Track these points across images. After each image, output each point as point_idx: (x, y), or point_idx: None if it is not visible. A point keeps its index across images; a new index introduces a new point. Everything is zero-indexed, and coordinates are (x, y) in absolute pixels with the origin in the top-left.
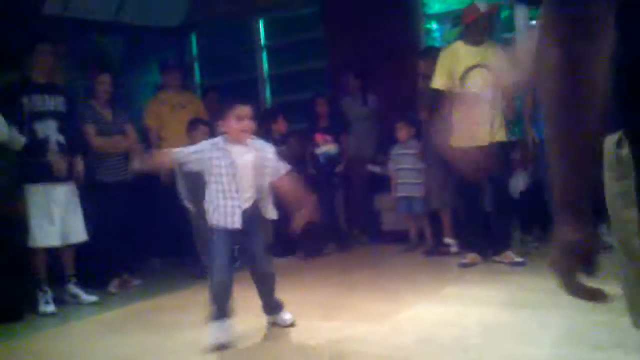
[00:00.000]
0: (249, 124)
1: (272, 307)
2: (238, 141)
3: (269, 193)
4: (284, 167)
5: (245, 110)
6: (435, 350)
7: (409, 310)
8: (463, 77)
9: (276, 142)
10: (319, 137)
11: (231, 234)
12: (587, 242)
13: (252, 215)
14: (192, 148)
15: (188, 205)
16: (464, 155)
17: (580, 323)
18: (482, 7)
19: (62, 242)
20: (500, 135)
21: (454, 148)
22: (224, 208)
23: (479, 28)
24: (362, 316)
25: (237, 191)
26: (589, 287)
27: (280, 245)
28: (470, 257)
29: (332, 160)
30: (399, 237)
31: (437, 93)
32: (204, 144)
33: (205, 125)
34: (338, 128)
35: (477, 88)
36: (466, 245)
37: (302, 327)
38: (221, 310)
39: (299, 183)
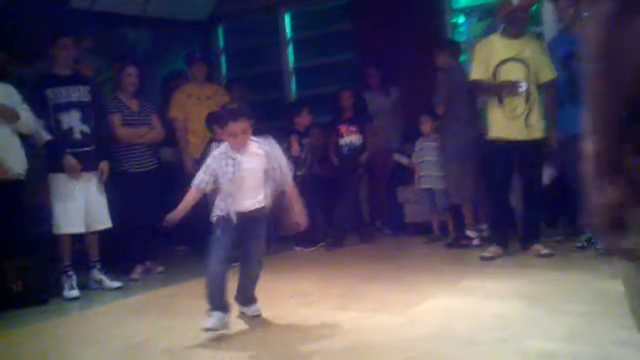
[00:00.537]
0: (243, 138)
1: (248, 299)
2: (241, 149)
3: (270, 198)
4: (289, 181)
5: (237, 127)
6: (450, 343)
7: (427, 301)
8: (496, 70)
9: (300, 135)
10: (342, 128)
11: (233, 232)
12: (621, 201)
13: (254, 217)
14: (204, 169)
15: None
16: (498, 147)
17: (598, 318)
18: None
19: (86, 229)
20: (536, 131)
21: (489, 140)
22: (230, 208)
23: (515, 21)
24: (380, 307)
25: (243, 196)
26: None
27: (304, 236)
28: (492, 250)
29: (355, 151)
30: (422, 229)
31: (475, 84)
32: (212, 158)
33: None
34: (362, 119)
35: (511, 80)
36: (491, 238)
37: (320, 316)
38: (215, 301)
39: (298, 195)
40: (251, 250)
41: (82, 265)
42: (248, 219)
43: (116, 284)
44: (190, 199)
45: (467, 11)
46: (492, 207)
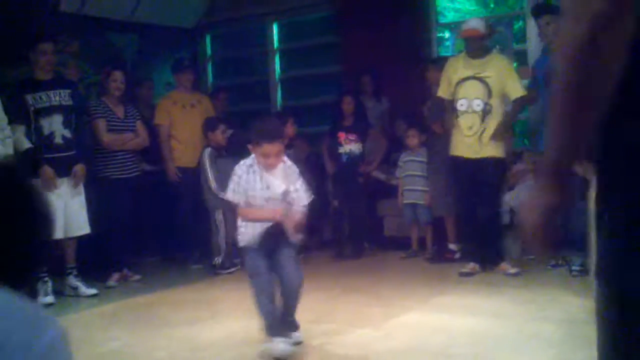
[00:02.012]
0: (275, 161)
1: (287, 324)
2: (269, 171)
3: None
4: (306, 199)
5: (272, 149)
6: (423, 358)
7: (402, 316)
8: (457, 87)
9: (284, 147)
10: (342, 136)
11: (263, 250)
12: (564, 205)
13: (278, 234)
14: (235, 180)
15: (224, 196)
16: (459, 164)
17: (570, 336)
18: (475, 26)
19: (64, 234)
20: (491, 150)
21: (452, 157)
22: (254, 229)
23: (471, 45)
24: (355, 320)
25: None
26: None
27: None
28: (470, 266)
29: (354, 159)
30: (401, 243)
31: (443, 101)
32: (241, 170)
33: (224, 124)
34: (362, 127)
35: (468, 98)
36: (466, 254)
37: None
38: (274, 326)
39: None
40: (282, 263)
41: (58, 271)
42: (274, 239)
43: (92, 290)
44: (250, 211)
45: (453, 26)
46: (463, 223)
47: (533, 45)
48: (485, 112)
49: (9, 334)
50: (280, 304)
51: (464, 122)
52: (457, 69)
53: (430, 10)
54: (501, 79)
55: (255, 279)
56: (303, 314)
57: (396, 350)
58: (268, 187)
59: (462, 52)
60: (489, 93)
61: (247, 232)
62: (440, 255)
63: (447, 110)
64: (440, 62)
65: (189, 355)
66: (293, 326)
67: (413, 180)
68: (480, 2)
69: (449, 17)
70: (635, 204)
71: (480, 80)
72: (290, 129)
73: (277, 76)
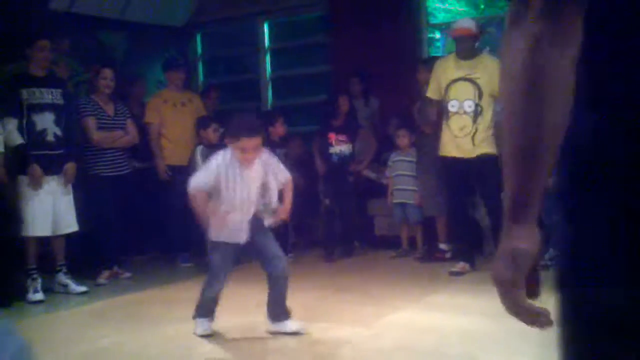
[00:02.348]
0: (254, 156)
1: (278, 313)
2: (247, 166)
3: (275, 202)
4: (287, 175)
5: (250, 143)
6: (413, 357)
7: (393, 315)
8: (447, 89)
9: (274, 146)
10: (332, 137)
11: (234, 246)
12: (533, 252)
13: (256, 224)
14: (206, 172)
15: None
16: (449, 164)
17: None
18: (466, 25)
19: (52, 232)
20: (484, 148)
21: (441, 157)
22: (232, 223)
23: (462, 45)
24: (346, 319)
25: (243, 205)
26: (533, 306)
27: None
28: (460, 266)
29: (345, 160)
30: (391, 243)
31: (433, 102)
32: (215, 162)
33: (216, 122)
34: (352, 128)
35: (459, 100)
36: (457, 254)
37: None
38: (208, 312)
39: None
40: (267, 252)
41: (48, 269)
42: (255, 233)
43: (82, 288)
44: (200, 203)
45: (443, 27)
46: (454, 223)
47: None
48: (477, 113)
49: None
50: (270, 295)
51: (455, 123)
52: (447, 70)
53: (421, 10)
54: (491, 80)
55: (216, 279)
56: (294, 312)
57: (387, 349)
58: (241, 177)
59: (452, 53)
60: (480, 94)
61: (220, 225)
62: (431, 255)
63: (435, 110)
64: (430, 63)
65: (180, 353)
66: (285, 314)
67: (403, 180)
68: (471, 3)
69: (440, 17)
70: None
71: (471, 81)
72: (280, 129)
73: (267, 75)
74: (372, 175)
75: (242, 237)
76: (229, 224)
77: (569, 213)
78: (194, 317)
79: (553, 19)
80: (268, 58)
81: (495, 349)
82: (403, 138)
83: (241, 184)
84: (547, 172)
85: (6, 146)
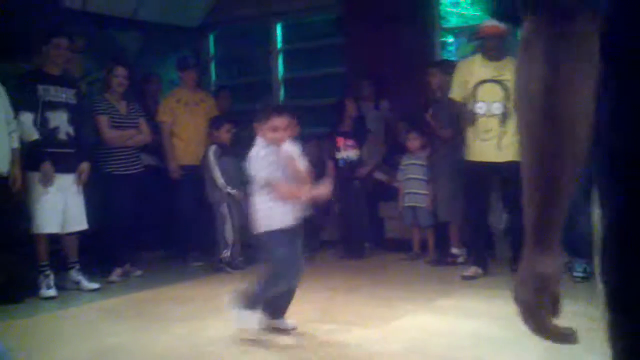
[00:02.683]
0: (284, 135)
1: (282, 311)
2: (276, 147)
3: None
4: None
5: (280, 121)
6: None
7: (403, 318)
8: (474, 90)
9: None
10: (340, 141)
11: (292, 233)
12: (557, 275)
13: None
14: (261, 162)
15: (231, 191)
16: (472, 168)
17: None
18: (494, 26)
19: (62, 229)
20: (511, 153)
21: (468, 161)
22: (283, 208)
23: (491, 45)
24: (355, 321)
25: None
26: (557, 326)
27: None
28: (473, 270)
29: (351, 164)
30: (402, 246)
31: (455, 104)
32: (264, 151)
33: (229, 123)
34: (360, 134)
35: (487, 102)
36: (470, 258)
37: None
38: (258, 305)
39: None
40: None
41: (60, 266)
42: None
43: (94, 285)
44: (289, 188)
45: (457, 31)
46: (468, 227)
47: None
48: (505, 116)
49: None
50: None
51: (482, 125)
52: (474, 71)
53: (434, 14)
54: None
55: (291, 270)
56: (304, 313)
57: (397, 352)
58: (286, 165)
59: (477, 54)
60: (508, 96)
61: (277, 212)
62: (442, 259)
63: (459, 113)
64: (442, 66)
65: (190, 351)
66: (284, 312)
67: (414, 184)
68: (484, 7)
69: (452, 21)
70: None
71: (500, 83)
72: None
73: (279, 76)
74: (383, 177)
75: (292, 217)
76: (282, 208)
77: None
78: (238, 308)
79: (567, 36)
80: (280, 59)
81: (506, 354)
82: (414, 141)
83: (286, 170)
84: (568, 198)
85: (21, 142)
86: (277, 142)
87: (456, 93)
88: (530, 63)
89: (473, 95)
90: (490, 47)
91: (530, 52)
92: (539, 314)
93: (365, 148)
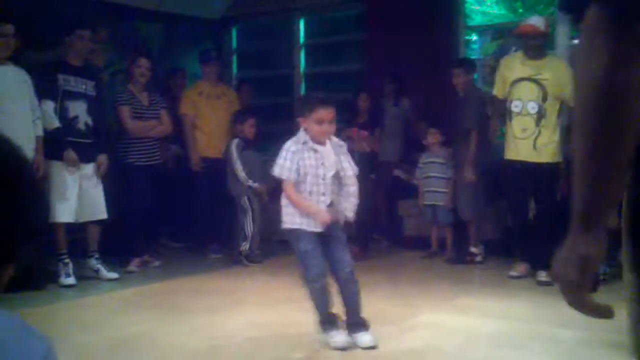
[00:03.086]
0: (330, 128)
1: (353, 323)
2: (319, 141)
3: (348, 193)
4: (354, 167)
5: (326, 113)
6: (441, 358)
7: (420, 315)
8: (511, 88)
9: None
10: (354, 132)
11: (317, 236)
12: (599, 257)
13: (335, 222)
14: (284, 156)
15: (252, 184)
16: (509, 168)
17: (590, 345)
18: (534, 22)
19: (77, 218)
20: (546, 155)
21: (506, 161)
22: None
23: (530, 44)
24: (372, 317)
25: (324, 193)
26: (597, 302)
27: None
28: (520, 268)
29: (365, 158)
30: (421, 243)
31: (496, 101)
32: (294, 146)
33: (252, 117)
34: (375, 126)
35: (522, 100)
36: (517, 257)
37: (311, 323)
38: (326, 317)
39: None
40: (334, 252)
41: (79, 254)
42: (330, 225)
43: (112, 274)
44: (296, 196)
45: (481, 29)
46: (513, 226)
47: (561, 51)
48: (540, 115)
49: (3, 345)
50: (342, 300)
51: (517, 124)
52: (514, 68)
53: (459, 12)
54: (559, 82)
55: (313, 275)
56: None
57: (414, 350)
58: (323, 163)
59: (519, 51)
60: (545, 96)
61: (300, 213)
62: (461, 257)
63: (496, 110)
64: (465, 65)
65: (209, 343)
66: (360, 326)
67: (433, 182)
68: (509, 6)
69: (477, 20)
70: None
71: (537, 82)
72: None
73: (301, 71)
74: (402, 175)
75: (325, 207)
76: (312, 214)
77: None
78: (322, 332)
79: (629, 35)
80: (303, 54)
81: (524, 355)
82: (431, 136)
83: (321, 169)
84: (622, 185)
85: (44, 130)
86: (321, 136)
87: (497, 89)
88: (593, 55)
89: (510, 93)
90: (529, 46)
91: (593, 46)
92: (579, 291)
93: (381, 144)
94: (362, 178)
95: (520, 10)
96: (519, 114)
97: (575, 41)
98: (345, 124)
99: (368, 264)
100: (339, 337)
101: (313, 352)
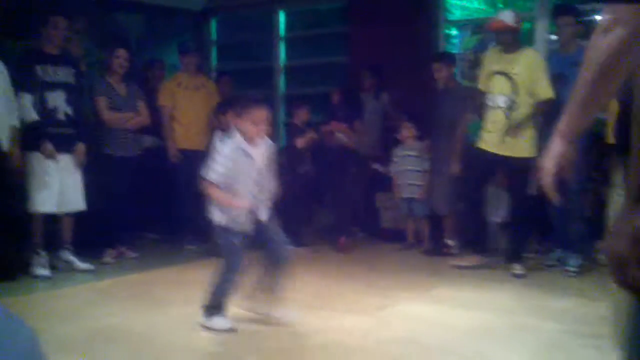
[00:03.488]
0: (264, 128)
1: (277, 300)
2: (252, 141)
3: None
4: (271, 185)
5: (262, 115)
6: (416, 349)
7: (398, 306)
8: (487, 81)
9: (299, 132)
10: (334, 125)
11: (242, 232)
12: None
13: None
14: (221, 161)
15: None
16: (477, 156)
17: (564, 334)
18: (502, 18)
19: (59, 209)
20: (514, 149)
21: (475, 148)
22: (240, 207)
23: (500, 39)
24: (350, 308)
25: (255, 190)
26: None
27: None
28: (468, 259)
29: (343, 150)
30: (397, 236)
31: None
32: (229, 149)
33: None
34: (353, 119)
35: (494, 94)
36: (465, 248)
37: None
38: (219, 304)
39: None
40: (269, 234)
41: (54, 246)
42: (257, 221)
43: (87, 265)
44: (221, 195)
45: (461, 24)
46: (466, 214)
47: (540, 47)
48: (510, 109)
49: None
50: (269, 280)
51: (489, 117)
52: (490, 62)
53: (439, 7)
54: (530, 76)
55: (233, 258)
56: (299, 300)
57: (392, 340)
58: (254, 162)
59: (497, 46)
60: (515, 90)
61: (238, 215)
62: (437, 249)
63: (476, 103)
64: (445, 59)
65: (185, 334)
66: (277, 303)
67: (409, 175)
68: (489, 1)
69: (457, 14)
70: None
71: (508, 76)
72: (305, 115)
73: (281, 63)
74: (380, 168)
75: (250, 222)
76: (238, 207)
77: None
78: (208, 316)
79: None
80: (283, 46)
81: (498, 345)
82: (406, 130)
83: (248, 164)
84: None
85: (21, 122)
86: (256, 137)
87: (481, 83)
88: (606, 40)
89: (488, 87)
90: (500, 41)
91: (606, 36)
92: (629, 265)
93: (360, 137)
94: (342, 172)
95: (500, 5)
96: (491, 107)
97: (553, 36)
98: (323, 119)
99: (345, 255)
100: (224, 322)
101: (290, 342)
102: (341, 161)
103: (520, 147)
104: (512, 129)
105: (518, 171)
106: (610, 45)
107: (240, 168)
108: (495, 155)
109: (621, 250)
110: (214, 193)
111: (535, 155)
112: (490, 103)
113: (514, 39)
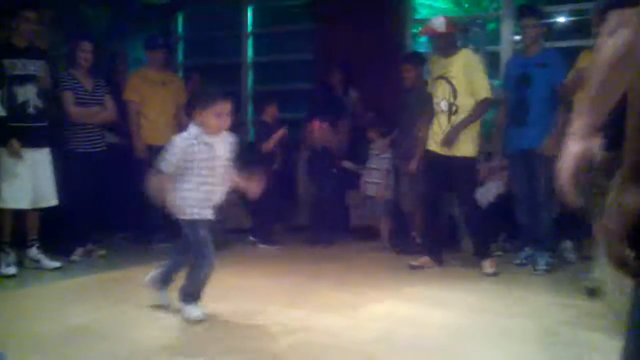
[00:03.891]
0: (227, 121)
1: (197, 295)
2: (214, 134)
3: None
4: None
5: (225, 107)
6: (391, 348)
7: (371, 305)
8: (432, 86)
9: (271, 128)
10: (315, 124)
11: (207, 222)
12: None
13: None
14: (173, 151)
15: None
16: (429, 158)
17: (536, 331)
18: (431, 25)
19: (31, 205)
20: (458, 150)
21: (426, 151)
22: (206, 201)
23: (434, 44)
24: (324, 308)
25: (215, 183)
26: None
27: (262, 232)
28: (422, 260)
29: (325, 149)
30: (367, 234)
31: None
32: (183, 140)
33: None
34: (335, 118)
35: (437, 98)
36: (423, 247)
37: (266, 313)
38: (196, 293)
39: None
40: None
41: (19, 243)
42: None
43: (55, 264)
44: (159, 184)
45: (427, 23)
46: (424, 215)
47: (506, 47)
48: (451, 113)
49: None
50: (196, 276)
51: (436, 120)
52: (433, 67)
53: (406, 5)
54: (466, 77)
55: (204, 250)
56: (272, 298)
57: (365, 340)
58: (215, 155)
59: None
60: (454, 93)
61: (201, 205)
62: (409, 248)
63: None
64: (413, 59)
65: (158, 334)
66: (197, 298)
67: (372, 173)
68: (455, 1)
69: (423, 13)
70: None
71: (447, 80)
72: (275, 112)
73: (248, 60)
74: (350, 166)
75: (211, 212)
76: (205, 202)
77: None
78: (185, 304)
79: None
80: (250, 42)
81: (471, 343)
82: (372, 130)
83: (213, 161)
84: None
85: None
86: (219, 129)
87: (429, 87)
88: (614, 41)
89: (433, 91)
90: (434, 46)
91: (613, 38)
92: (621, 243)
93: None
94: (323, 172)
95: (466, 5)
96: (437, 111)
97: (517, 37)
98: (306, 114)
99: (316, 253)
100: (197, 311)
101: (265, 342)
102: (323, 163)
103: (461, 147)
104: (449, 134)
105: (460, 170)
106: (617, 46)
107: (196, 157)
108: (440, 155)
109: (611, 227)
110: (154, 181)
111: (476, 155)
112: (436, 107)
113: (446, 44)
